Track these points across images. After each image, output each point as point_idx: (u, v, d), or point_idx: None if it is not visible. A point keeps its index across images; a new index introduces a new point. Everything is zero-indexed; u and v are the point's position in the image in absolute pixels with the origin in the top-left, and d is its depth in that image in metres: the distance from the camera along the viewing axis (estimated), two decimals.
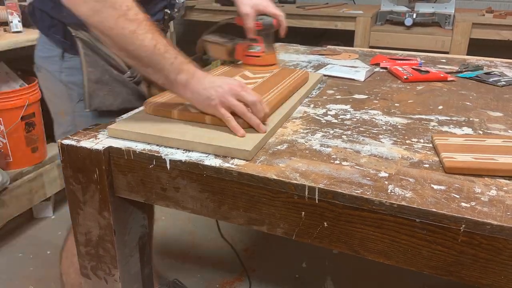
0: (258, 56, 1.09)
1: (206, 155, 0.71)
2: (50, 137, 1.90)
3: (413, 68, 1.22)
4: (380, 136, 0.79)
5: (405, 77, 1.14)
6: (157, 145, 0.74)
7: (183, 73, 0.76)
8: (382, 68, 1.28)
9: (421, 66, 1.27)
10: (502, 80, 1.16)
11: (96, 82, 0.95)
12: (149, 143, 0.75)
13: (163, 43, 0.75)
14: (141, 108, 0.89)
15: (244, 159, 0.70)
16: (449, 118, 0.89)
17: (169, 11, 1.05)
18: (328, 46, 1.65)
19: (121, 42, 0.74)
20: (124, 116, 0.87)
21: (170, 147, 0.73)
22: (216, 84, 0.77)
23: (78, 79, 0.95)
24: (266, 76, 1.04)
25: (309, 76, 1.10)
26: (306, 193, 0.62)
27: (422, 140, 0.78)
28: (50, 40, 0.97)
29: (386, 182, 0.63)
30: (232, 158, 0.70)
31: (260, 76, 1.04)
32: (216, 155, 0.71)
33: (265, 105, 0.80)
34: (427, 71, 1.19)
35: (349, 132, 0.81)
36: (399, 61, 1.32)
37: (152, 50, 0.74)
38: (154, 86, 1.06)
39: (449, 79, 1.16)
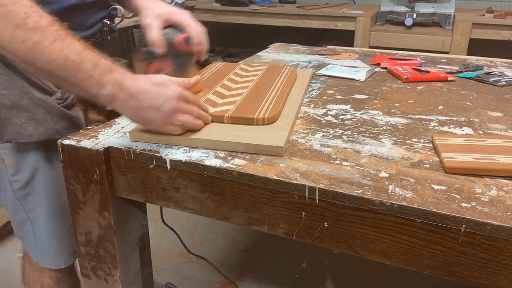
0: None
1: (207, 154, 0.71)
2: None
3: (413, 68, 1.22)
4: (381, 136, 0.79)
5: (405, 77, 1.14)
6: (188, 147, 0.74)
7: (107, 87, 0.65)
8: (382, 68, 1.28)
9: (421, 66, 1.27)
10: (502, 80, 1.16)
11: (10, 107, 0.77)
12: (149, 143, 0.75)
13: (77, 50, 0.63)
14: None
15: (277, 155, 0.70)
16: (449, 118, 0.89)
17: (109, 22, 0.90)
18: (328, 46, 1.65)
19: (25, 57, 0.61)
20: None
21: (197, 148, 0.73)
22: (156, 103, 0.67)
23: None
24: (259, 75, 1.04)
25: (301, 73, 1.12)
26: (307, 193, 0.62)
27: (422, 140, 0.78)
28: None
29: (386, 182, 0.63)
30: (263, 155, 0.71)
31: (251, 75, 1.04)
32: (216, 156, 0.71)
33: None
34: (427, 71, 1.19)
35: (349, 132, 0.81)
36: (399, 61, 1.32)
37: (63, 63, 0.62)
38: (92, 110, 0.92)
39: (449, 79, 1.16)
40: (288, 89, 0.94)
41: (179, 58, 0.82)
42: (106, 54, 0.92)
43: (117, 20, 0.96)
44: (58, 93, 0.82)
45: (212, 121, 0.78)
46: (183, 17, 0.85)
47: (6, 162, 0.84)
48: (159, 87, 0.68)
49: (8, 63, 0.77)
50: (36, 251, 0.93)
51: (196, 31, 0.84)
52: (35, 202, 0.87)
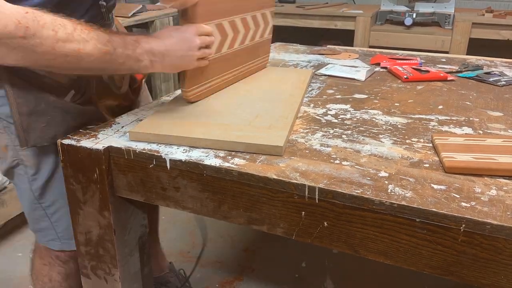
0: None
1: (206, 154, 0.71)
2: None
3: (413, 68, 1.22)
4: (380, 136, 0.79)
5: (405, 76, 1.14)
6: (186, 146, 0.74)
7: (143, 59, 0.76)
8: (382, 68, 1.28)
9: (421, 66, 1.27)
10: (502, 79, 1.16)
11: (29, 114, 0.80)
12: (149, 143, 0.75)
13: (106, 39, 0.72)
14: (156, 109, 0.89)
15: (276, 155, 0.70)
16: (449, 118, 0.89)
17: (105, 3, 0.88)
18: (328, 46, 1.65)
19: (69, 66, 0.70)
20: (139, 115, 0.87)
21: (197, 147, 0.73)
22: (184, 49, 0.79)
23: (9, 111, 0.80)
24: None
25: (302, 73, 1.12)
26: (306, 192, 0.62)
27: (422, 140, 0.78)
28: None
29: (386, 182, 0.63)
30: (263, 155, 0.71)
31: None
32: (216, 156, 0.71)
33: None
34: (427, 71, 1.19)
35: (349, 132, 0.81)
36: (399, 61, 1.32)
37: (101, 57, 0.71)
38: (108, 97, 0.95)
39: (449, 78, 1.16)
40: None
41: None
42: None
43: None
44: (73, 91, 0.85)
45: None
46: None
47: (26, 163, 0.86)
48: (178, 33, 0.80)
49: (18, 72, 0.78)
50: (59, 240, 0.94)
51: None
52: (54, 197, 0.89)
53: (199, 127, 0.77)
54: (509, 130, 0.83)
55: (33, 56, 0.67)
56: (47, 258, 0.98)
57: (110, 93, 0.96)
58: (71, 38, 0.68)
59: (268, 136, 0.74)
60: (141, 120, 0.85)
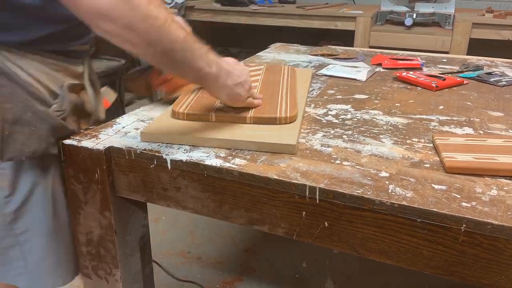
0: (170, 79, 0.97)
1: (207, 154, 0.71)
2: None
3: (431, 76, 1.16)
4: (381, 136, 0.79)
5: (434, 85, 1.08)
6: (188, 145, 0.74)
7: (213, 66, 0.72)
8: (384, 68, 1.28)
9: (422, 66, 1.27)
10: (503, 80, 1.16)
11: (14, 122, 0.71)
12: (149, 143, 0.75)
13: (189, 31, 0.68)
14: (163, 112, 0.87)
15: (289, 153, 0.71)
16: (449, 118, 0.89)
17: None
18: (329, 46, 1.65)
19: (154, 35, 0.63)
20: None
21: (209, 147, 0.74)
22: (242, 79, 0.78)
23: None
24: (261, 74, 1.04)
25: (302, 73, 1.12)
26: (307, 193, 0.62)
27: (422, 140, 0.78)
28: None
29: (387, 182, 0.63)
30: (263, 155, 0.71)
31: (253, 75, 1.04)
32: (217, 156, 0.71)
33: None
34: (444, 78, 1.15)
35: (349, 132, 0.81)
36: (400, 61, 1.32)
37: (183, 43, 0.66)
38: (83, 120, 0.86)
39: (465, 82, 1.14)
40: (295, 87, 0.96)
41: None
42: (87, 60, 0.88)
43: None
44: (55, 105, 0.77)
45: (234, 122, 0.80)
46: None
47: (0, 183, 0.76)
48: (238, 64, 0.80)
49: (10, 74, 0.71)
50: (26, 275, 0.82)
51: None
52: (29, 222, 0.79)
53: (211, 127, 0.77)
54: (510, 130, 0.83)
55: (126, 5, 0.60)
56: None
57: (87, 117, 0.87)
58: (162, 10, 0.63)
59: (280, 135, 0.74)
60: (142, 120, 0.85)
